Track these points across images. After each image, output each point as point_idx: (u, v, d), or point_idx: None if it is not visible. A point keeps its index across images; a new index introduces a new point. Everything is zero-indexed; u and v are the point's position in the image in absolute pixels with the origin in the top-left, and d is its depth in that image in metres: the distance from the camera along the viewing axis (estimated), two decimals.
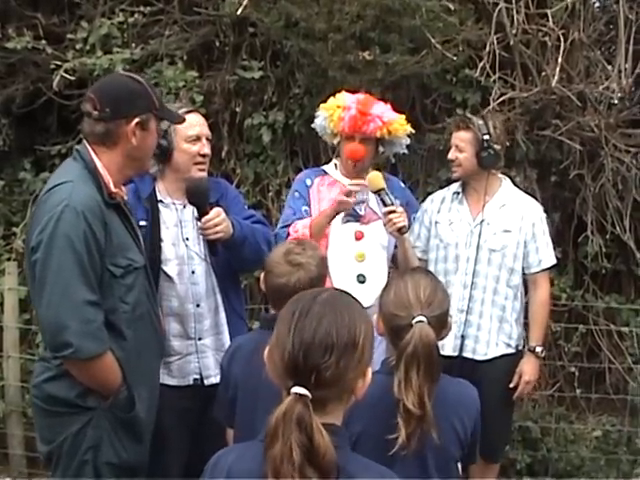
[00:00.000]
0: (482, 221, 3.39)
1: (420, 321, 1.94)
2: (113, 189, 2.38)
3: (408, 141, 3.38)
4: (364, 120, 3.18)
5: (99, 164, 2.37)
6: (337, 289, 1.61)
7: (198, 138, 2.89)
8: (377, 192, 3.16)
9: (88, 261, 2.24)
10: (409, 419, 1.89)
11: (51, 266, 2.23)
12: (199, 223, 2.80)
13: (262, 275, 2.43)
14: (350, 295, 1.57)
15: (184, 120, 2.69)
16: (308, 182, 3.36)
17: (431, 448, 1.99)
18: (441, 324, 2.02)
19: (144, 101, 2.40)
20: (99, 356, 2.27)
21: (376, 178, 3.17)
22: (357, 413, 1.89)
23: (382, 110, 3.25)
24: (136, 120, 2.37)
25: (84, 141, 2.43)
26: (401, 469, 1.93)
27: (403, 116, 3.32)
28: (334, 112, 3.23)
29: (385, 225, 3.14)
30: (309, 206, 3.30)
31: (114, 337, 2.33)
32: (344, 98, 3.28)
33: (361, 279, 3.21)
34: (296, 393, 1.39)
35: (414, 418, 1.89)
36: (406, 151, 3.44)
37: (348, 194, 3.11)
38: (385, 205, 3.12)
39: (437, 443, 1.95)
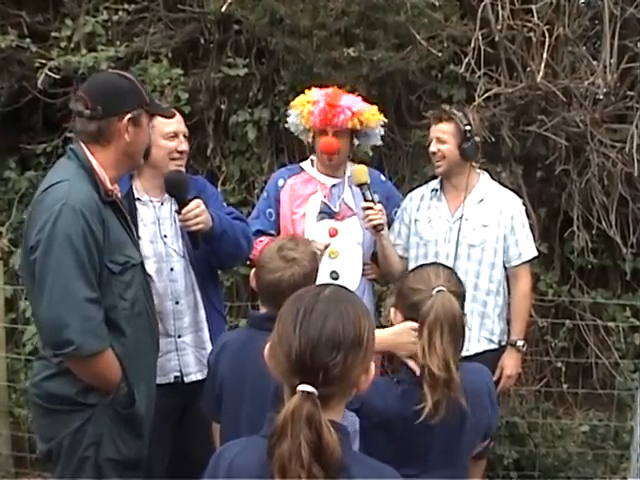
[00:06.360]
0: (461, 217, 3.37)
1: (441, 290, 1.96)
2: (109, 187, 2.39)
3: (382, 132, 3.39)
4: (334, 112, 3.19)
5: (95, 162, 2.37)
6: (336, 284, 1.60)
7: (175, 135, 2.89)
8: (360, 186, 3.18)
9: (87, 259, 2.25)
10: (435, 385, 1.89)
11: (51, 265, 2.23)
12: (179, 216, 2.79)
13: (252, 272, 2.42)
14: (349, 290, 1.57)
15: (174, 114, 2.72)
16: (280, 182, 3.37)
17: (464, 427, 2.02)
18: (460, 302, 2.02)
19: (134, 97, 2.41)
20: (100, 353, 2.28)
21: (360, 172, 3.20)
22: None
23: (351, 101, 3.26)
24: (128, 116, 2.37)
25: (78, 140, 2.43)
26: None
27: (375, 107, 3.32)
28: (304, 108, 3.25)
29: (363, 220, 3.16)
30: (277, 207, 3.31)
31: (114, 334, 2.34)
32: (312, 93, 3.30)
33: (334, 276, 3.23)
34: (303, 391, 1.39)
35: (440, 383, 1.89)
36: (381, 142, 3.47)
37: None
38: (365, 200, 3.14)
39: (467, 411, 1.96)
